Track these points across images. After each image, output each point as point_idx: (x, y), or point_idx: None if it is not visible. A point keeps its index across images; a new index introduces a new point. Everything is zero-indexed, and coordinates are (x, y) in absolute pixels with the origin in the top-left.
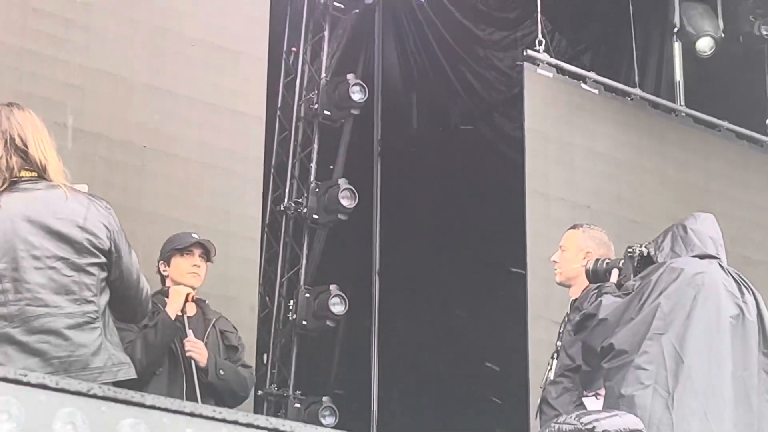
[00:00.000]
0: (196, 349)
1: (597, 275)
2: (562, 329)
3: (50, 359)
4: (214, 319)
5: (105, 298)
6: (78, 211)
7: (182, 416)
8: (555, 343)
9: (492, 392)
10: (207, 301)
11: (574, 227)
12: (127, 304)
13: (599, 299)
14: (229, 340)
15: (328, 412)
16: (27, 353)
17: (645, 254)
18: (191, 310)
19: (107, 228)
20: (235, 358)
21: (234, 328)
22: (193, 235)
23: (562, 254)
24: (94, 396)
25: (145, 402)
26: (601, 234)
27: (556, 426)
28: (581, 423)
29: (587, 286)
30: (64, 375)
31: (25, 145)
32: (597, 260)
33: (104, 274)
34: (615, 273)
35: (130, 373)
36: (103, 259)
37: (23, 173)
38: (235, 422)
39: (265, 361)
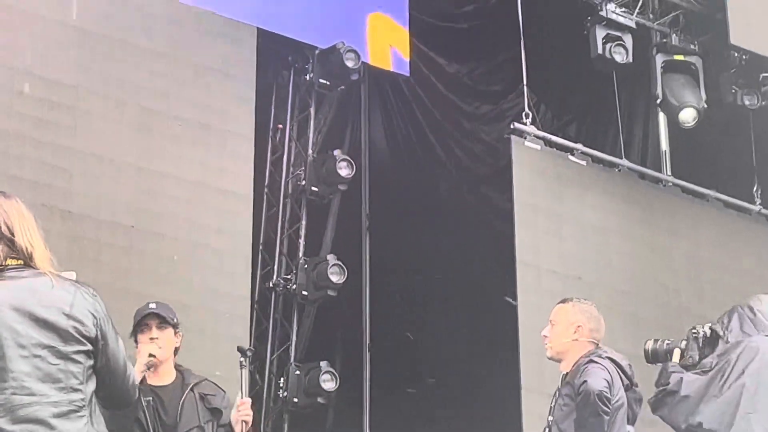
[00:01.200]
0: (247, 411)
1: (657, 355)
2: (553, 403)
3: None
4: (192, 383)
5: (91, 386)
6: (64, 299)
7: None
8: (547, 417)
9: None
10: (190, 369)
11: (563, 301)
12: (113, 392)
13: (680, 376)
14: (210, 402)
15: None
16: None
17: (709, 335)
18: (167, 375)
19: (93, 315)
20: (221, 422)
21: (220, 389)
22: (150, 305)
23: (552, 329)
24: None
25: None
26: (591, 308)
27: None
28: None
29: (578, 360)
30: None
31: (12, 233)
32: (656, 340)
33: (90, 362)
34: (677, 353)
35: None
36: (89, 347)
37: (9, 261)
38: None
39: None
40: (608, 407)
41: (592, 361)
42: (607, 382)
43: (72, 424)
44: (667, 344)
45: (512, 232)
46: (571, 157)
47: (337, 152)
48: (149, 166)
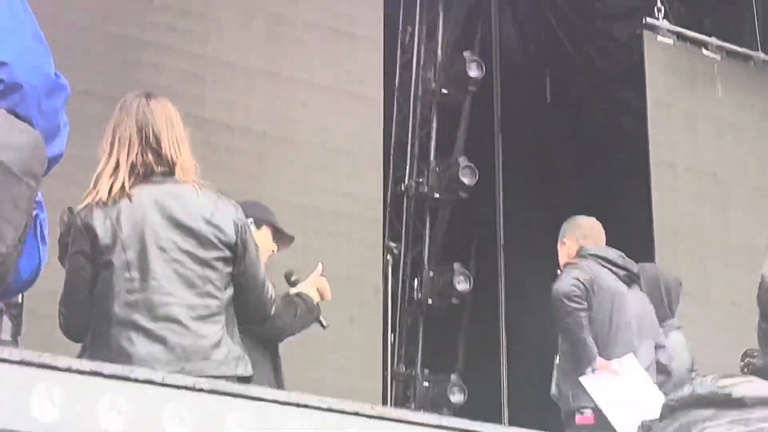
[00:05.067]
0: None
1: None
2: None
3: (173, 346)
4: None
5: (228, 293)
6: (206, 206)
7: (289, 407)
8: None
9: None
10: None
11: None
12: (250, 302)
13: None
14: None
15: (456, 389)
16: (150, 339)
17: None
18: None
19: (235, 223)
20: None
21: None
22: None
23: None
24: (201, 390)
25: (251, 394)
26: (578, 220)
27: (690, 389)
28: (718, 387)
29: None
30: (185, 363)
31: (159, 142)
32: None
33: (229, 269)
34: None
35: (248, 369)
36: (228, 254)
37: (157, 169)
38: (342, 411)
39: (391, 341)
40: (577, 303)
41: (568, 264)
42: (578, 280)
43: (207, 327)
44: None
45: (645, 131)
46: (704, 52)
47: (467, 53)
48: (280, 72)
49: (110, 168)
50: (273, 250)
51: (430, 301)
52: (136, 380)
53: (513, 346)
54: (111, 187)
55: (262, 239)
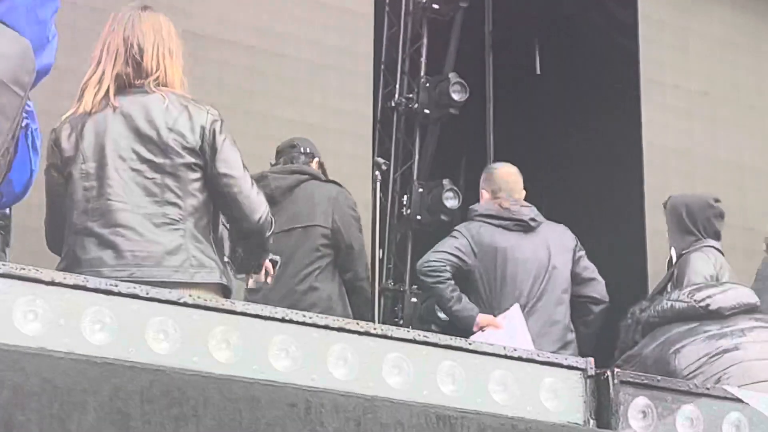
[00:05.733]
0: None
1: None
2: None
3: (122, 251)
4: None
5: (196, 200)
6: (170, 114)
7: (274, 322)
8: None
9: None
10: None
11: None
12: (231, 206)
13: None
14: None
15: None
16: (101, 245)
17: None
18: None
19: (202, 128)
20: None
21: None
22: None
23: None
24: (185, 305)
25: (236, 309)
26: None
27: (669, 303)
28: (694, 300)
29: None
30: (134, 269)
31: (141, 55)
32: None
33: (196, 175)
34: None
35: (210, 277)
36: (193, 160)
37: (136, 81)
38: (326, 327)
39: (380, 257)
40: (434, 277)
41: (453, 230)
42: (443, 252)
43: (163, 234)
44: None
45: (636, 48)
46: None
47: None
48: None
49: (95, 79)
50: None
51: (419, 217)
52: (120, 294)
53: None
54: (94, 97)
55: None
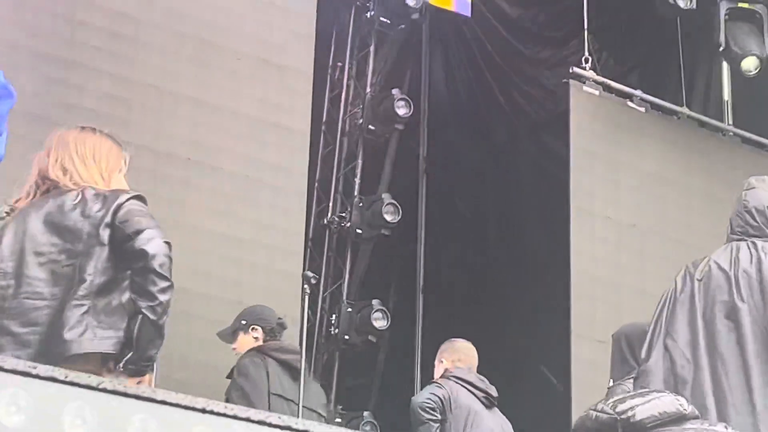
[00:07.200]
0: None
1: None
2: None
3: (38, 349)
4: None
5: (103, 278)
6: (85, 202)
7: (193, 412)
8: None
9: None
10: None
11: None
12: (135, 273)
13: None
14: None
15: (369, 427)
16: (17, 344)
17: None
18: None
19: (114, 209)
20: None
21: None
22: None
23: None
24: (104, 390)
25: (156, 397)
26: (452, 343)
27: (594, 414)
28: (616, 412)
29: None
30: (42, 358)
31: (46, 172)
32: None
33: (107, 253)
34: None
35: (100, 346)
36: (106, 239)
37: (57, 184)
38: (248, 419)
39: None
40: (430, 414)
41: (433, 382)
42: (434, 395)
43: (69, 312)
44: None
45: (567, 178)
46: (629, 104)
47: (395, 91)
48: (207, 100)
49: (24, 186)
50: None
51: (347, 337)
52: (38, 376)
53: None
54: (17, 201)
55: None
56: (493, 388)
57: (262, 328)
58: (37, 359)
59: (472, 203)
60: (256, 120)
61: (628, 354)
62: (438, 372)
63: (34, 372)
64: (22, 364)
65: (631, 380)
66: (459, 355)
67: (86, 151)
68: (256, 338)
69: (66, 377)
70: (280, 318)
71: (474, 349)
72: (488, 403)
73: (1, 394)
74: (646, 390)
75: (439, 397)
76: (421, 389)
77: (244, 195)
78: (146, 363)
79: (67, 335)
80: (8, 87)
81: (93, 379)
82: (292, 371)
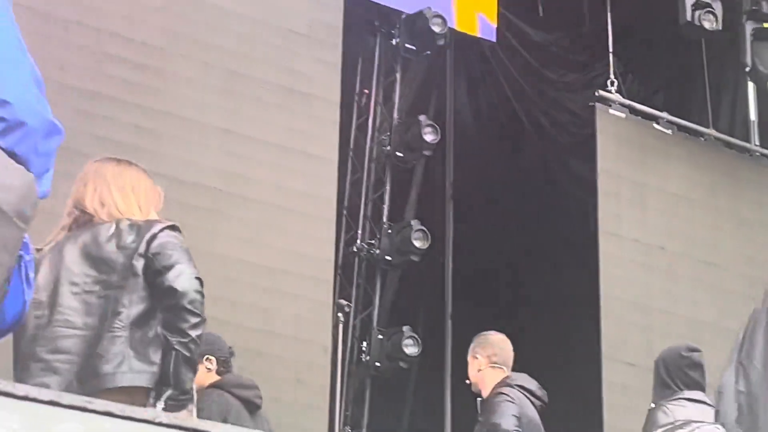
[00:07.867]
0: None
1: None
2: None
3: (66, 376)
4: None
5: (139, 308)
6: (121, 234)
7: None
8: None
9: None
10: None
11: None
12: (165, 310)
13: None
14: None
15: None
16: (45, 370)
17: None
18: None
19: (148, 240)
20: None
21: None
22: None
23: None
24: (161, 425)
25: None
26: (487, 335)
27: None
28: None
29: (492, 389)
30: (78, 387)
31: (83, 204)
32: None
33: (142, 284)
34: None
35: (135, 380)
36: (140, 271)
37: (94, 216)
38: None
39: (338, 403)
40: None
41: (500, 392)
42: (515, 417)
43: (105, 345)
44: None
45: (595, 202)
46: (655, 126)
47: (422, 117)
48: (235, 129)
49: (64, 218)
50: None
51: (378, 364)
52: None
53: (457, 413)
54: (57, 233)
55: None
56: (545, 393)
57: (216, 358)
58: (68, 388)
59: (499, 228)
60: (284, 148)
61: (666, 377)
62: (473, 369)
63: (90, 407)
64: (79, 400)
65: (675, 401)
66: (494, 350)
67: (125, 183)
68: (209, 369)
69: (123, 412)
70: (230, 347)
71: (508, 341)
72: (541, 411)
73: (58, 428)
74: (683, 421)
75: (518, 418)
76: (451, 417)
77: (272, 223)
78: (185, 397)
79: (104, 368)
80: (57, 124)
81: (149, 413)
82: (250, 406)
